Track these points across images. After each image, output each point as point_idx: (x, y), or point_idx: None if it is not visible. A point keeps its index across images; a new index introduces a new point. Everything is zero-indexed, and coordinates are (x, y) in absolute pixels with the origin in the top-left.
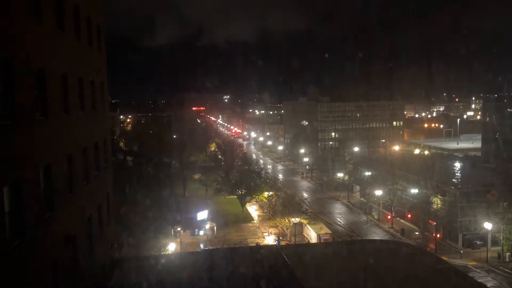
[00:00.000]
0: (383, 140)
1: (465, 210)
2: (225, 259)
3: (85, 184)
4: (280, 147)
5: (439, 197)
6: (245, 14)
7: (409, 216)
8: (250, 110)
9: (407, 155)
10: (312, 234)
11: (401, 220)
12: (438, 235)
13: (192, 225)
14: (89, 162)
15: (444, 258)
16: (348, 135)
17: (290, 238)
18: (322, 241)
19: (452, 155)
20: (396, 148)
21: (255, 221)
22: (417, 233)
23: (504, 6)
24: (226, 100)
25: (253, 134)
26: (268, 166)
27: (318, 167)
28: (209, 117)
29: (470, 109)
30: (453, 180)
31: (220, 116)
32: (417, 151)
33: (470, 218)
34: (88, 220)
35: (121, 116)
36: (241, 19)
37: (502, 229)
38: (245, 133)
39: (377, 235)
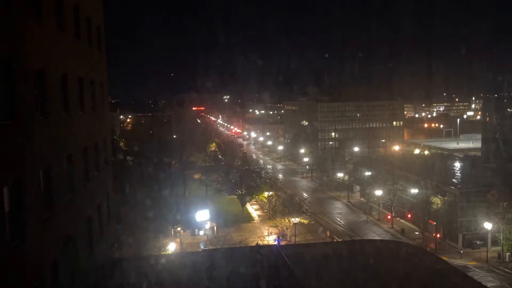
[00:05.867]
0: (383, 140)
1: (465, 210)
2: (225, 259)
3: (85, 184)
4: (280, 147)
5: (439, 197)
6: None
7: (409, 216)
8: (250, 110)
9: (407, 155)
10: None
11: (401, 220)
12: (438, 235)
13: (192, 225)
14: (89, 162)
15: (444, 258)
16: (348, 135)
17: (290, 238)
18: None
19: (452, 155)
20: (396, 148)
21: (255, 221)
22: (417, 233)
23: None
24: (226, 100)
25: (253, 134)
26: (268, 166)
27: (318, 167)
28: (209, 117)
29: (470, 109)
30: (453, 180)
31: (220, 116)
32: (417, 151)
33: (470, 218)
34: (88, 220)
35: (121, 116)
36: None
37: (502, 229)
38: (245, 133)
39: (377, 235)
